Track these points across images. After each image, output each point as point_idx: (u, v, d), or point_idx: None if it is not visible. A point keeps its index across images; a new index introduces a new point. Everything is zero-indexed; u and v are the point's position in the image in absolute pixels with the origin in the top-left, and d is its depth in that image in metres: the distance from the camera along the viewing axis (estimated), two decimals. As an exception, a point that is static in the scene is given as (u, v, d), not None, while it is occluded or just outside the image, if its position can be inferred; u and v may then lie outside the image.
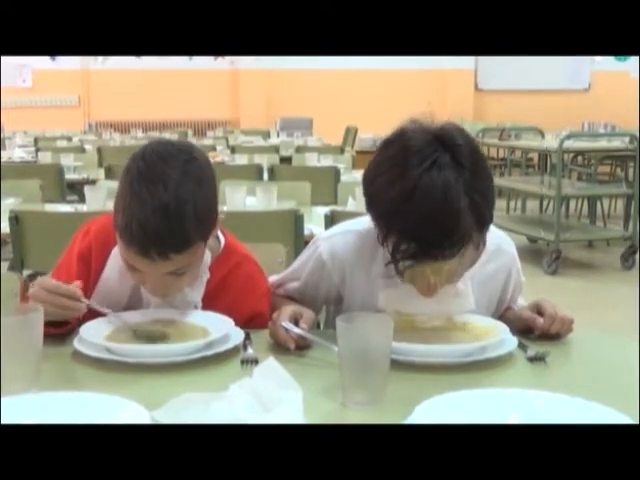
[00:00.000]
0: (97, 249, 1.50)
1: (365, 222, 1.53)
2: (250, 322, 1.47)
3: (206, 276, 1.49)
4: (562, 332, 1.43)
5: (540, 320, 1.41)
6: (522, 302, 1.60)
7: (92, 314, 1.44)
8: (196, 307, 1.49)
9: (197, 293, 1.49)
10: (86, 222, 1.57)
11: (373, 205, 1.36)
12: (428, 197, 1.26)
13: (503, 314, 1.55)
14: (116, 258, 1.46)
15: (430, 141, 1.30)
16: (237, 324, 1.40)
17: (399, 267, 1.33)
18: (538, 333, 1.42)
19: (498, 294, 1.56)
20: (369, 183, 1.36)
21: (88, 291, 1.47)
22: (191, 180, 1.35)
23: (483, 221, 1.33)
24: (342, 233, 1.55)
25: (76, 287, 1.34)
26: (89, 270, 1.49)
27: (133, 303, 1.50)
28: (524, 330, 1.44)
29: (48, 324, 1.25)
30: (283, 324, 1.34)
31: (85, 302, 1.35)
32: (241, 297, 1.51)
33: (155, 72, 10.86)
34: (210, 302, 1.49)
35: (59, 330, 1.37)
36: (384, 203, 1.32)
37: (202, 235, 1.37)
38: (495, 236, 1.54)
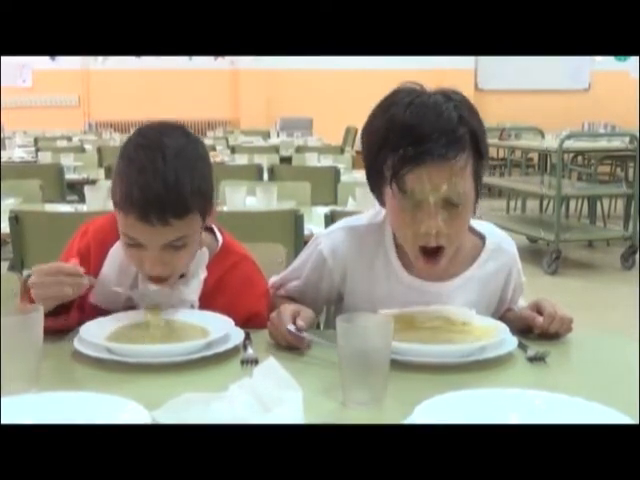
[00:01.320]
0: (96, 248, 1.50)
1: (365, 218, 1.55)
2: (248, 322, 1.47)
3: (203, 274, 1.49)
4: (561, 331, 1.43)
5: (539, 319, 1.41)
6: (523, 303, 1.60)
7: (93, 313, 1.44)
8: (193, 306, 1.49)
9: (194, 292, 1.49)
10: (85, 222, 1.57)
11: (367, 139, 1.40)
12: (422, 107, 1.32)
13: (503, 315, 1.55)
14: (114, 257, 1.47)
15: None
16: (235, 324, 1.40)
17: (399, 175, 1.32)
18: (537, 332, 1.42)
19: (498, 294, 1.55)
20: (364, 129, 1.41)
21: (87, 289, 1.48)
22: (188, 154, 1.37)
23: (477, 143, 1.35)
24: (342, 229, 1.55)
25: (76, 264, 1.35)
26: (88, 269, 1.49)
27: (131, 302, 1.50)
28: (524, 330, 1.44)
29: (47, 316, 1.24)
30: (289, 328, 1.34)
31: (87, 278, 1.35)
32: (238, 297, 1.51)
33: (155, 72, 10.86)
34: (207, 301, 1.49)
35: (58, 322, 1.37)
36: (379, 126, 1.36)
37: (200, 207, 1.37)
38: (495, 235, 1.55)
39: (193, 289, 1.49)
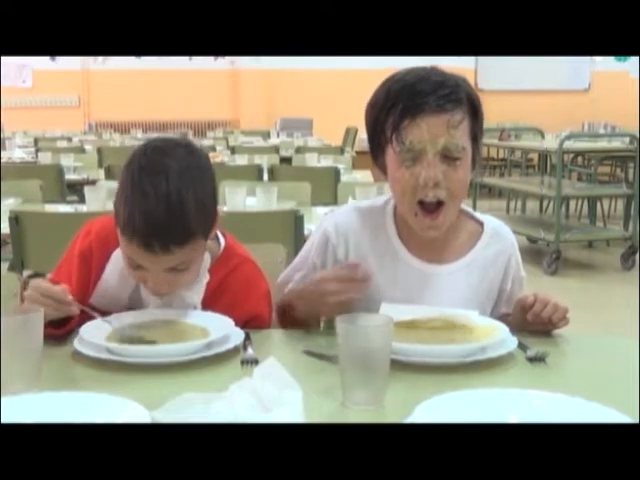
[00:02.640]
0: (98, 249, 1.50)
1: (367, 202, 1.61)
2: (248, 324, 1.47)
3: (205, 279, 1.50)
4: (555, 319, 1.41)
5: (532, 299, 1.41)
6: None
7: (90, 316, 1.44)
8: (195, 309, 1.49)
9: (196, 295, 1.49)
10: (87, 222, 1.57)
11: (370, 110, 1.45)
12: (417, 75, 1.40)
13: (503, 318, 1.55)
14: (116, 260, 1.47)
15: None
16: (235, 326, 1.40)
17: (400, 129, 1.38)
18: (530, 318, 1.41)
19: (499, 281, 1.56)
20: (366, 106, 1.47)
21: (88, 290, 1.48)
22: (192, 172, 1.37)
23: (474, 105, 1.42)
24: (345, 210, 1.61)
25: (64, 291, 1.33)
26: (90, 270, 1.49)
27: (133, 305, 1.50)
28: (522, 324, 1.44)
29: (48, 324, 1.25)
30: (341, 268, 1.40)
31: (75, 306, 1.35)
32: (239, 299, 1.51)
33: (155, 72, 10.86)
34: (209, 304, 1.49)
35: (59, 331, 1.37)
36: (379, 95, 1.43)
37: (203, 229, 1.38)
38: (494, 222, 1.59)
39: (196, 292, 1.49)
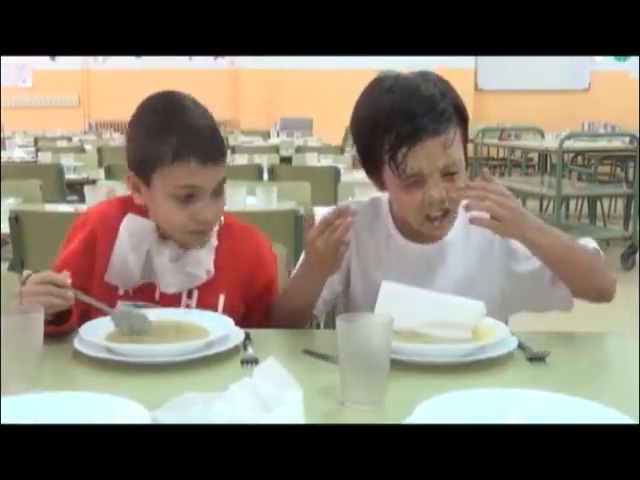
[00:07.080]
0: (102, 232, 1.53)
1: (365, 199, 1.67)
2: (267, 288, 1.60)
3: (215, 243, 1.55)
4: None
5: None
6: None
7: (94, 314, 1.45)
8: (209, 272, 1.53)
9: (209, 257, 1.54)
10: (80, 216, 1.61)
11: (357, 127, 1.49)
12: (404, 89, 1.41)
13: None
14: (124, 234, 1.51)
15: None
16: (254, 296, 1.57)
17: (398, 155, 1.39)
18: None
19: (495, 239, 1.57)
20: (352, 119, 1.50)
21: (94, 278, 1.51)
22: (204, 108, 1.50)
23: (460, 112, 1.44)
24: (346, 203, 1.67)
25: (65, 276, 1.35)
26: (94, 257, 1.53)
27: (146, 278, 1.52)
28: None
29: (47, 322, 1.25)
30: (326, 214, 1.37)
31: (72, 291, 1.35)
32: (258, 265, 1.60)
33: (155, 72, 10.85)
34: (226, 270, 1.55)
35: (58, 328, 1.37)
36: (367, 112, 1.45)
37: (225, 153, 1.50)
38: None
39: (208, 254, 1.54)
